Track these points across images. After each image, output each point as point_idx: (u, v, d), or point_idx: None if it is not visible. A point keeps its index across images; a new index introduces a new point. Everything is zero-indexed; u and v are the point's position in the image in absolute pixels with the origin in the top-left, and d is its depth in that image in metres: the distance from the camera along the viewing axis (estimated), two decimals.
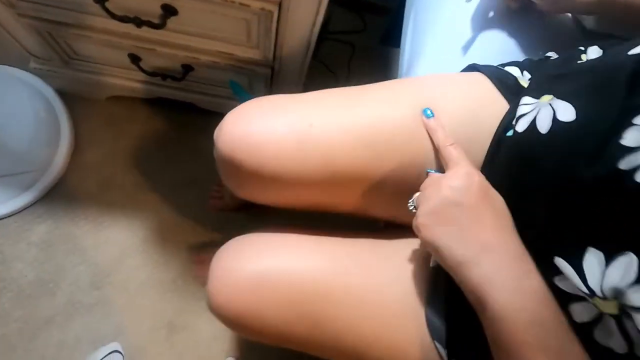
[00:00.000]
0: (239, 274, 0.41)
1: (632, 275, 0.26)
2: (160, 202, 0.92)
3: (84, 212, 0.89)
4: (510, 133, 0.38)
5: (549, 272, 0.31)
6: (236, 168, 0.41)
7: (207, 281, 0.42)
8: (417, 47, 0.60)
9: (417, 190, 0.39)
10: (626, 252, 0.26)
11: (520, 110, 0.38)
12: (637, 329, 0.26)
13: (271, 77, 0.77)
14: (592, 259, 0.28)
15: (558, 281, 0.31)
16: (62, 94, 0.91)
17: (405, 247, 0.45)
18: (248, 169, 0.41)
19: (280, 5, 0.57)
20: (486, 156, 0.41)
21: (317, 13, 0.58)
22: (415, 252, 0.44)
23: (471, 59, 0.52)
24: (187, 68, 0.76)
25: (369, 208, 0.46)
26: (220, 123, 0.42)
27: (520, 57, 0.53)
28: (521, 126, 0.37)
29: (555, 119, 0.34)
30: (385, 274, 0.42)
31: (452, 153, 0.38)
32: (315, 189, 0.42)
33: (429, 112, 0.41)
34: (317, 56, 1.07)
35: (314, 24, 0.61)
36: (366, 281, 0.41)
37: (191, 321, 0.88)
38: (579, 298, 0.30)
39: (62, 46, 0.73)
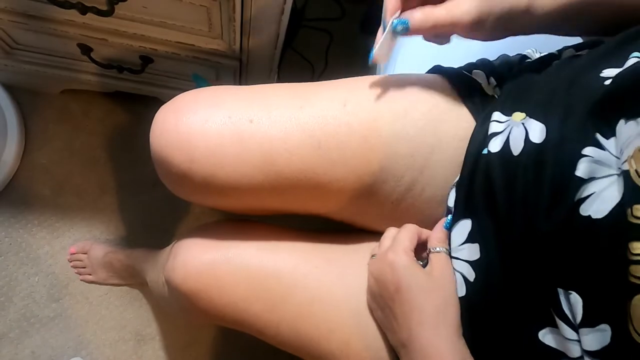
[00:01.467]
0: (201, 256, 0.41)
1: (579, 317, 0.26)
2: (123, 204, 0.85)
3: (37, 217, 0.81)
4: (485, 151, 0.35)
5: (536, 323, 0.29)
6: (167, 166, 0.37)
7: (167, 261, 0.43)
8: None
9: (379, 196, 0.40)
10: (570, 292, 0.26)
11: (492, 127, 0.35)
12: None
13: (240, 69, 0.71)
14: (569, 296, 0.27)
15: (544, 336, 0.28)
16: (9, 87, 0.82)
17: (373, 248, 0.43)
18: (179, 167, 0.36)
19: None
20: (463, 176, 0.38)
21: (285, 0, 0.52)
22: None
23: (450, 48, 0.48)
24: (146, 60, 0.69)
25: (329, 214, 0.43)
26: (155, 116, 0.38)
27: (500, 52, 0.49)
28: (495, 146, 0.34)
29: (527, 140, 0.32)
30: (350, 269, 0.42)
31: (388, 231, 0.40)
32: (260, 193, 0.38)
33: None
34: (292, 45, 1.01)
35: (282, 12, 0.55)
36: (329, 271, 0.41)
37: (160, 330, 0.83)
38: (563, 355, 0.27)
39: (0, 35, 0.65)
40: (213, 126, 0.36)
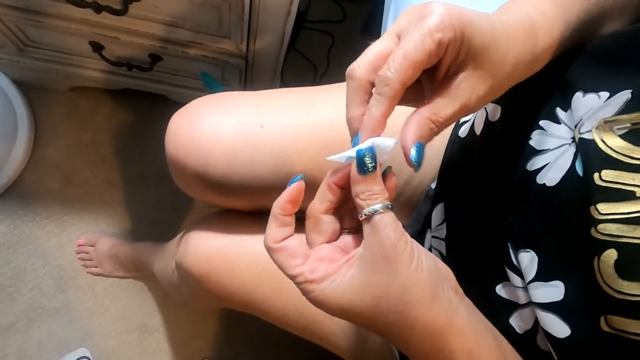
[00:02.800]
0: (211, 241, 0.43)
1: (532, 273, 0.27)
2: (129, 199, 0.87)
3: (45, 210, 0.83)
4: (456, 139, 0.39)
5: (495, 279, 0.31)
6: (181, 169, 0.40)
7: (177, 248, 0.45)
8: None
9: None
10: (527, 250, 0.27)
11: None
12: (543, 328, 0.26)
13: (245, 68, 0.73)
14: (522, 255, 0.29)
15: (500, 289, 0.30)
16: (20, 84, 0.84)
17: None
18: (193, 171, 0.39)
19: None
20: (441, 166, 0.41)
21: (292, 1, 0.54)
22: None
23: None
24: (155, 58, 0.71)
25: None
26: (169, 122, 0.40)
27: None
28: (463, 131, 0.37)
29: (486, 120, 0.34)
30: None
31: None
32: (270, 193, 0.41)
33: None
34: (295, 46, 1.04)
35: (288, 13, 0.57)
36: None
37: (164, 322, 0.85)
38: (518, 306, 0.29)
39: (14, 32, 0.67)
40: (226, 132, 0.38)
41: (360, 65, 0.24)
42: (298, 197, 0.25)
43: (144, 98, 0.87)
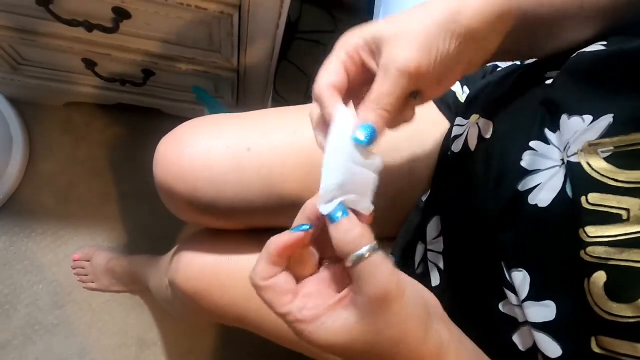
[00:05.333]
0: (203, 258, 0.43)
1: (525, 292, 0.27)
2: (125, 213, 0.87)
3: (41, 226, 0.83)
4: (449, 153, 0.39)
5: (496, 296, 0.31)
6: (171, 194, 0.40)
7: (170, 264, 0.45)
8: None
9: (380, 210, 0.40)
10: (519, 269, 0.28)
11: (455, 131, 0.39)
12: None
13: (238, 81, 0.74)
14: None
15: (502, 306, 0.30)
16: (15, 101, 0.85)
17: None
18: (182, 196, 0.39)
19: (240, 8, 0.54)
20: (435, 177, 0.41)
21: (280, 15, 0.55)
22: None
23: None
24: (148, 73, 0.72)
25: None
26: (157, 148, 0.41)
27: None
28: (457, 146, 0.37)
29: (480, 136, 0.35)
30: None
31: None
32: (260, 214, 0.41)
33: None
34: (287, 57, 1.05)
35: (277, 27, 0.58)
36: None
37: (162, 336, 0.84)
38: (519, 323, 0.29)
39: (7, 51, 0.68)
40: (213, 157, 0.39)
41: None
42: (298, 247, 0.24)
43: (137, 112, 0.88)
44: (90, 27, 0.56)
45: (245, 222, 0.43)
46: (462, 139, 0.37)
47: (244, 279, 0.42)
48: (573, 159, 0.26)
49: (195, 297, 0.42)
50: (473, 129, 0.36)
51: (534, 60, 0.38)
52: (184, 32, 0.61)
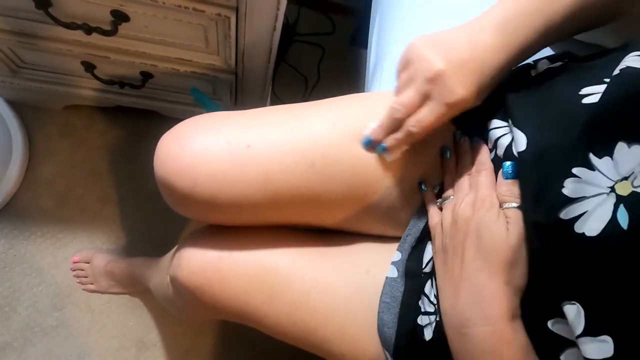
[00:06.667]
0: (204, 253, 0.43)
1: (580, 327, 0.27)
2: (124, 215, 0.88)
3: (40, 229, 0.83)
4: (492, 156, 0.38)
5: (545, 313, 0.31)
6: (171, 191, 0.40)
7: (171, 261, 0.45)
8: (382, 48, 0.59)
9: (373, 205, 0.42)
10: (573, 302, 0.27)
11: (496, 133, 0.38)
12: None
13: (235, 83, 0.74)
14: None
15: (552, 325, 0.30)
16: (14, 104, 0.85)
17: (369, 250, 0.45)
18: (182, 191, 0.39)
19: (237, 11, 0.54)
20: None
21: (277, 18, 0.56)
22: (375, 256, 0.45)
23: None
24: (147, 75, 0.72)
25: (326, 225, 0.45)
26: (157, 145, 0.41)
27: None
28: (500, 150, 0.37)
29: (509, 147, 0.36)
30: (344, 262, 0.44)
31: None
32: (259, 210, 0.41)
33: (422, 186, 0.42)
34: (285, 60, 1.05)
35: (274, 29, 0.59)
36: (324, 262, 0.43)
37: (161, 337, 0.85)
38: (570, 344, 0.29)
39: (7, 54, 0.69)
40: (213, 153, 0.39)
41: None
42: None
43: (136, 115, 0.88)
44: (89, 29, 0.56)
45: (245, 217, 0.43)
46: (504, 141, 0.36)
47: (245, 272, 0.42)
48: (636, 188, 0.25)
49: (196, 292, 0.43)
50: (516, 134, 0.35)
51: (557, 63, 0.40)
52: (181, 34, 0.61)
